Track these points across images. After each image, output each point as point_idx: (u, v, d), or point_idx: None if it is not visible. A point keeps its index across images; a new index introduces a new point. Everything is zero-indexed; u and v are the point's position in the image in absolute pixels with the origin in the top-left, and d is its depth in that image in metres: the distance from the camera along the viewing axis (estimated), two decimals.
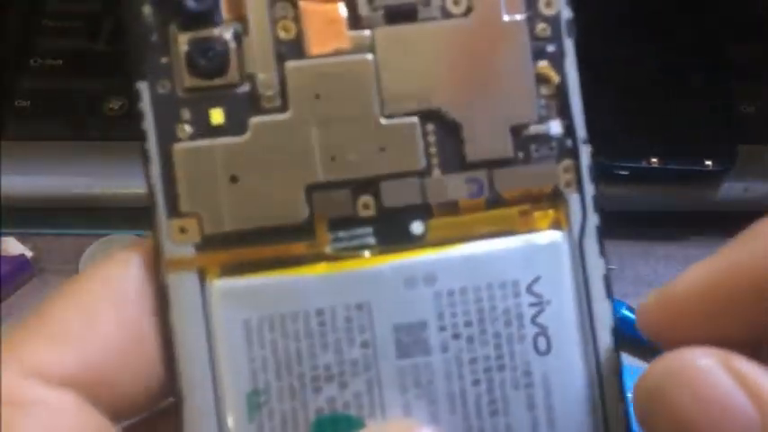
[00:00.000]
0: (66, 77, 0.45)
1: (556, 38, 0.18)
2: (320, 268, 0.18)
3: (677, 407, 0.15)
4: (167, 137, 0.18)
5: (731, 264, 0.16)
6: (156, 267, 0.18)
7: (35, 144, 0.43)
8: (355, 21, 0.18)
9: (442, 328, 0.18)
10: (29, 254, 0.41)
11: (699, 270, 0.17)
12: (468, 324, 0.18)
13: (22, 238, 0.42)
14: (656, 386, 0.16)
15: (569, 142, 0.18)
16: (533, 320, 0.18)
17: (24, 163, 0.42)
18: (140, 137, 0.18)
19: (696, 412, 0.15)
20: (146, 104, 0.18)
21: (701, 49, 0.45)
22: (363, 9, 0.18)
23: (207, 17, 0.18)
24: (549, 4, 0.18)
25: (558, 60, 0.18)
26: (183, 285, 0.18)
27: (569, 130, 0.18)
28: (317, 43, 0.18)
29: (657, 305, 0.17)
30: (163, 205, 0.18)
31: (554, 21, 0.18)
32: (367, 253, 0.18)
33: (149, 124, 0.18)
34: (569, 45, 0.18)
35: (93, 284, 0.17)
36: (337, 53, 0.18)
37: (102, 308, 0.17)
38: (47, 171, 0.42)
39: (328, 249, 0.18)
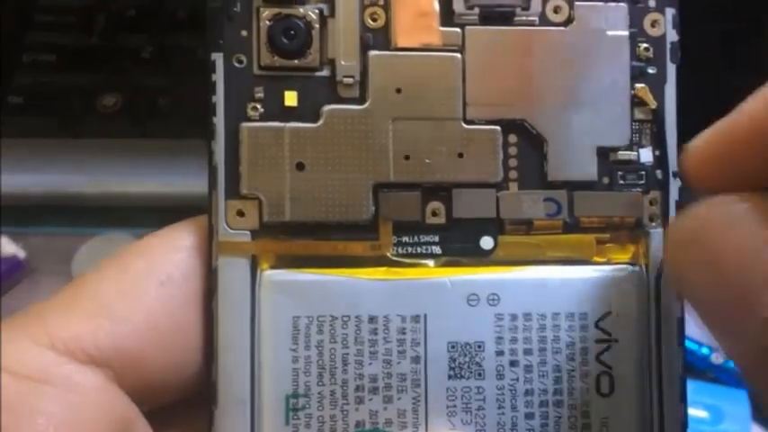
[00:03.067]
0: (60, 73, 0.43)
1: (658, 60, 0.17)
2: (379, 273, 0.17)
3: (711, 252, 0.14)
4: (236, 114, 0.17)
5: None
6: (208, 250, 0.17)
7: (27, 141, 0.41)
8: (448, 17, 0.17)
9: (500, 353, 0.17)
10: (21, 254, 0.40)
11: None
12: (527, 352, 0.17)
13: (14, 238, 0.41)
14: (691, 233, 0.15)
15: (659, 173, 0.17)
16: (598, 358, 0.17)
17: (16, 160, 0.40)
18: (208, 111, 0.17)
19: (730, 257, 0.14)
20: (219, 77, 0.17)
21: (707, 47, 0.44)
22: (458, 5, 0.17)
23: None
24: (654, 24, 0.17)
25: (657, 85, 0.17)
26: (233, 271, 0.17)
27: (660, 160, 0.17)
28: (405, 35, 0.17)
29: (705, 146, 0.15)
30: (223, 185, 0.17)
31: (658, 42, 0.17)
32: (431, 263, 0.17)
33: (219, 98, 0.17)
34: (672, 71, 0.18)
35: (138, 261, 0.17)
36: (425, 48, 0.17)
37: (145, 287, 0.16)
38: (39, 169, 0.41)
39: (390, 254, 0.17)
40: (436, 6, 0.17)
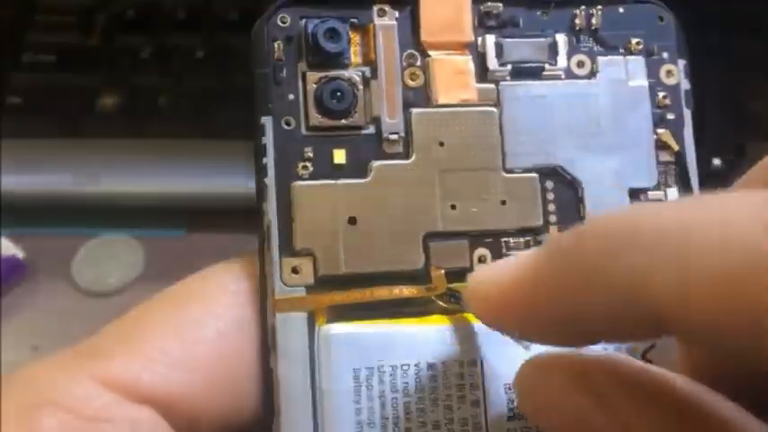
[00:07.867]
0: (59, 73, 0.43)
1: (676, 107, 0.19)
2: (435, 320, 0.17)
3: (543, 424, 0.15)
4: (287, 174, 0.17)
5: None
6: (262, 306, 0.17)
7: (27, 141, 0.41)
8: (482, 74, 0.18)
9: None
10: (21, 255, 0.40)
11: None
12: None
13: (14, 238, 0.41)
14: (520, 399, 0.16)
15: None
16: None
17: (16, 160, 0.40)
18: (258, 171, 0.17)
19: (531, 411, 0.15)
20: (269, 140, 0.17)
21: (709, 46, 0.45)
22: (492, 63, 0.18)
23: (338, 58, 0.18)
24: (669, 74, 0.19)
25: (677, 129, 0.19)
26: (291, 328, 0.17)
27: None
28: (445, 93, 0.18)
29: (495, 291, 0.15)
30: (276, 243, 0.17)
31: (674, 90, 0.19)
32: None
33: (270, 160, 0.17)
34: (688, 115, 0.19)
35: (194, 306, 0.17)
36: (463, 104, 0.18)
37: (203, 335, 0.17)
38: (39, 169, 0.41)
39: (443, 301, 0.18)
40: (471, 65, 0.18)
